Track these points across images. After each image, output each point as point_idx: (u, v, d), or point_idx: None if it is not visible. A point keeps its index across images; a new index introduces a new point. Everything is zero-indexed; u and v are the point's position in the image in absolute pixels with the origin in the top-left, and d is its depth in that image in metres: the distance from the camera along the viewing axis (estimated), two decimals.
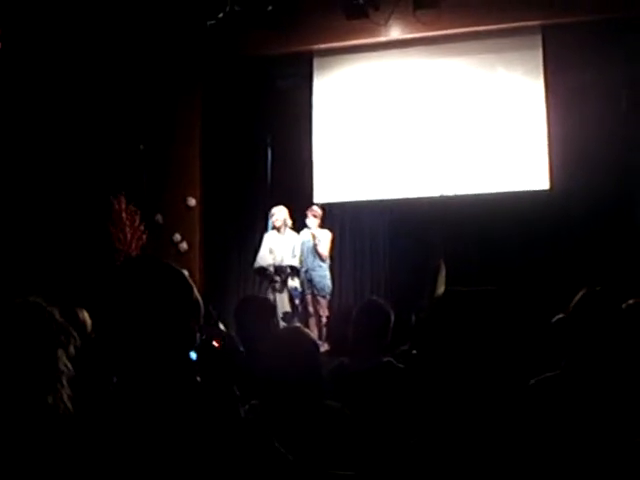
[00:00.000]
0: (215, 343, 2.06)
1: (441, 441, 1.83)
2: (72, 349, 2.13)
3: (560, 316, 3.83)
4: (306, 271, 9.02)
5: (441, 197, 9.19)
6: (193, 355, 1.81)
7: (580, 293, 3.01)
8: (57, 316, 2.11)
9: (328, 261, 9.15)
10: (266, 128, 10.79)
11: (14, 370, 1.99)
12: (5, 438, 1.82)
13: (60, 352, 2.08)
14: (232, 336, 2.89)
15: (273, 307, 4.83)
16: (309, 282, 9.02)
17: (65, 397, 2.08)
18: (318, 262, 9.02)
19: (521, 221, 8.89)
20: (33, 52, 9.46)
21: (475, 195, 9.45)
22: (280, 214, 9.23)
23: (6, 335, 2.02)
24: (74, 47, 9.64)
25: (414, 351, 4.92)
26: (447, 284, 7.30)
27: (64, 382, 2.09)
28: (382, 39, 9.76)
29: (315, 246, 8.99)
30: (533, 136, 9.41)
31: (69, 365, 2.14)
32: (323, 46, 10.11)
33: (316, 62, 10.35)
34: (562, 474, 1.78)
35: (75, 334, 2.15)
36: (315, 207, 9.30)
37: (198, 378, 1.83)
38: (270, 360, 3.08)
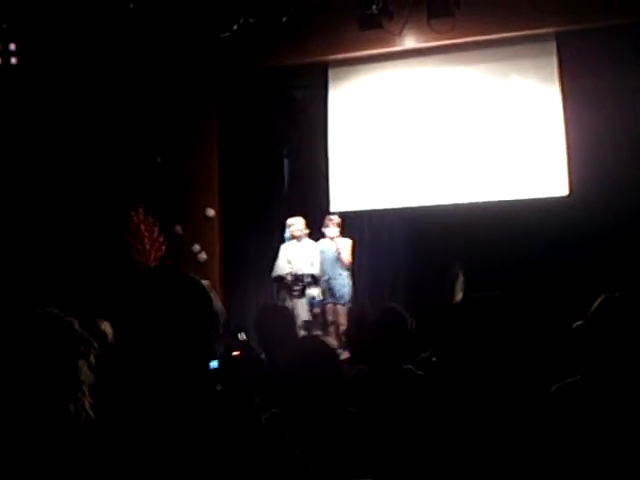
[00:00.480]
0: (235, 352, 2.07)
1: (462, 448, 1.83)
2: (92, 359, 2.15)
3: (580, 322, 3.82)
4: (327, 280, 9.04)
5: (456, 205, 9.17)
6: (214, 364, 1.82)
7: (599, 299, 3.01)
8: (76, 326, 2.13)
9: (350, 269, 9.17)
10: (282, 138, 10.83)
11: (36, 380, 2.01)
12: (28, 446, 1.84)
13: (81, 362, 2.10)
14: (252, 346, 2.89)
15: (292, 315, 4.83)
16: (329, 290, 9.04)
17: (87, 405, 2.10)
18: (339, 270, 9.05)
19: (540, 227, 8.84)
20: (52, 67, 9.55)
21: (493, 202, 9.43)
22: (298, 224, 9.27)
23: (27, 346, 2.04)
24: (92, 61, 9.72)
25: (434, 358, 4.91)
26: (465, 291, 7.29)
27: (85, 391, 2.11)
28: (397, 49, 9.76)
29: (338, 254, 9.03)
30: (551, 142, 9.37)
31: (90, 374, 2.16)
32: (338, 56, 10.12)
33: (331, 72, 10.37)
34: (583, 477, 1.78)
35: (95, 344, 2.17)
36: (334, 216, 9.32)
37: (219, 387, 1.84)
38: (290, 368, 3.09)
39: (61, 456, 1.69)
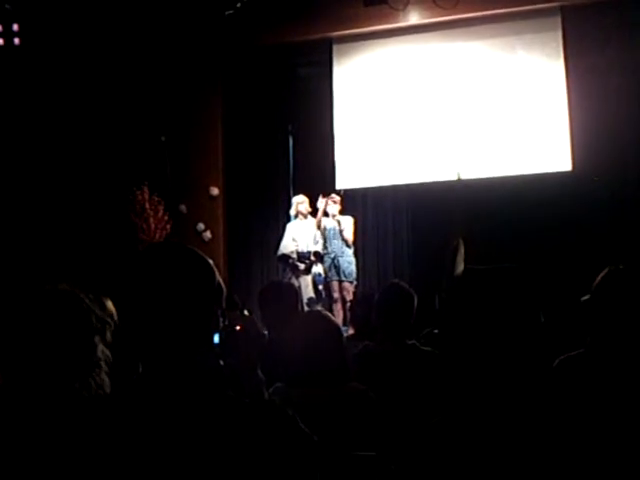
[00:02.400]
0: (237, 327, 2.07)
1: (464, 421, 1.84)
2: (109, 335, 2.16)
3: (588, 296, 3.82)
4: (334, 257, 9.04)
5: (459, 181, 9.14)
6: (216, 338, 1.82)
7: (603, 272, 3.00)
8: (88, 302, 2.13)
9: (352, 247, 9.17)
10: (287, 116, 10.82)
11: (54, 356, 2.00)
12: (44, 425, 1.84)
13: (97, 339, 2.10)
14: (255, 320, 2.90)
15: (296, 292, 4.84)
16: (336, 268, 9.04)
17: (105, 382, 2.10)
18: (344, 248, 9.05)
19: (544, 202, 8.83)
20: (55, 47, 9.53)
21: (497, 178, 9.41)
22: (303, 202, 9.27)
23: (42, 321, 2.03)
24: (96, 41, 9.69)
25: (435, 331, 4.92)
26: (468, 264, 7.27)
27: (103, 367, 2.12)
28: (401, 24, 9.72)
29: (341, 232, 9.02)
30: (554, 118, 9.34)
31: (107, 351, 2.16)
32: (342, 33, 10.07)
33: (335, 49, 10.32)
34: (586, 451, 1.78)
35: (109, 320, 2.17)
36: (333, 194, 9.32)
37: (221, 362, 1.83)
38: (294, 343, 3.10)
39: (79, 434, 1.69)
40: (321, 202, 9.18)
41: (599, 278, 2.98)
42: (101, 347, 2.11)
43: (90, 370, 2.06)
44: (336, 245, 9.05)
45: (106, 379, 2.09)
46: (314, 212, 9.36)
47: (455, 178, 9.17)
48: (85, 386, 2.04)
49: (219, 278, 1.82)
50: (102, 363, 2.10)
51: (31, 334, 2.01)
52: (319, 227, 9.12)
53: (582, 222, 8.88)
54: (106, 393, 2.06)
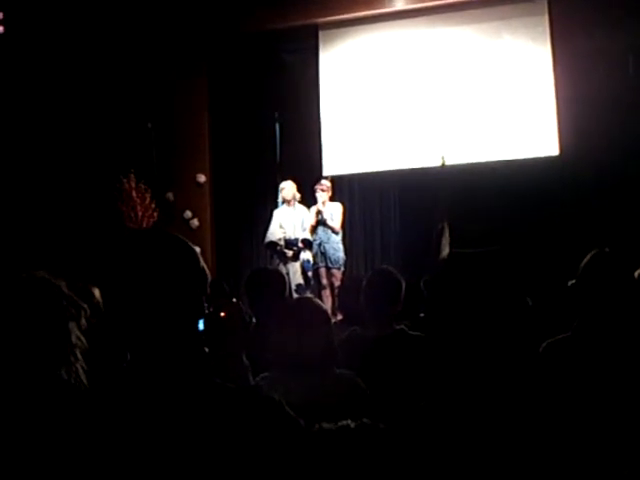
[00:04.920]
0: (222, 314, 2.06)
1: (451, 404, 1.84)
2: (84, 321, 2.14)
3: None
4: (320, 244, 9.02)
5: (443, 166, 9.14)
6: (200, 325, 1.81)
7: (589, 255, 3.01)
8: (64, 289, 2.11)
9: (340, 233, 9.15)
10: (273, 103, 10.78)
11: (26, 345, 1.99)
12: (20, 413, 1.83)
13: (72, 325, 2.09)
14: (240, 307, 2.90)
15: (284, 278, 4.82)
16: (323, 255, 9.02)
17: (80, 370, 2.08)
18: (330, 234, 9.02)
19: (531, 187, 8.86)
20: (40, 35, 9.47)
21: (484, 163, 9.42)
22: (289, 188, 9.25)
23: (15, 309, 2.02)
24: (81, 28, 9.64)
25: (422, 314, 4.91)
26: (454, 248, 7.28)
27: (78, 355, 2.10)
28: (387, 10, 9.73)
29: (325, 221, 8.98)
30: (541, 102, 9.36)
31: (82, 338, 2.14)
32: (328, 19, 10.07)
33: (321, 35, 10.30)
34: (572, 433, 1.79)
35: (85, 306, 2.15)
36: (323, 181, 9.29)
37: (206, 349, 1.83)
38: (282, 330, 3.09)
39: (52, 423, 1.69)
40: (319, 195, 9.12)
41: (585, 261, 2.99)
42: (76, 333, 2.10)
43: (66, 356, 2.05)
44: (322, 232, 9.03)
45: (80, 367, 2.08)
46: (304, 198, 9.34)
47: (439, 163, 9.16)
48: (64, 372, 2.02)
49: (203, 264, 1.81)
50: (77, 350, 2.08)
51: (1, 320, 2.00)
52: (318, 215, 9.04)
53: (568, 206, 8.91)
54: (82, 380, 2.05)
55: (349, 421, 1.59)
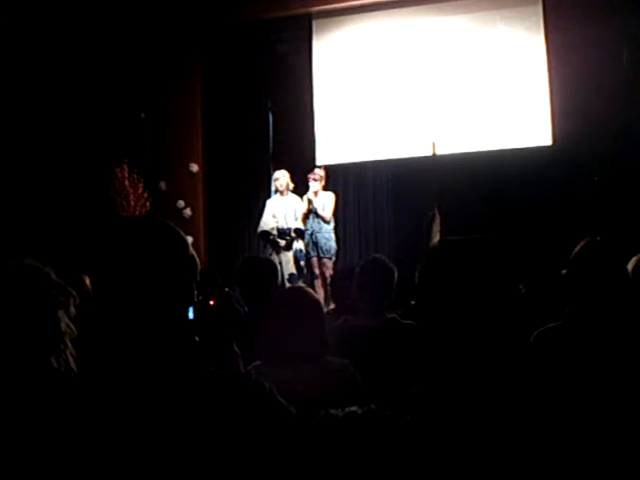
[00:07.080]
0: (211, 302, 2.06)
1: (442, 392, 1.83)
2: (73, 309, 2.13)
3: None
4: (311, 234, 9.02)
5: (434, 155, 9.12)
6: (190, 314, 1.81)
7: (580, 243, 3.01)
8: (53, 277, 2.10)
9: (333, 223, 9.15)
10: (266, 92, 10.77)
11: (14, 332, 1.98)
12: (9, 402, 1.83)
13: (61, 313, 2.08)
14: (230, 296, 2.89)
15: (275, 267, 4.82)
16: (314, 244, 9.02)
17: (70, 358, 2.07)
18: (322, 224, 9.01)
19: (524, 176, 8.87)
20: (32, 24, 9.41)
21: (477, 153, 9.41)
22: (283, 178, 9.24)
23: (2, 297, 2.01)
24: (73, 17, 9.59)
25: (412, 302, 4.92)
26: (443, 234, 7.29)
27: (68, 343, 2.09)
28: None
29: (315, 210, 8.98)
30: (535, 92, 9.35)
31: (72, 325, 2.13)
32: (322, 8, 10.04)
33: (315, 24, 10.27)
34: (562, 421, 1.79)
35: (74, 293, 2.14)
36: (317, 170, 9.28)
37: (196, 338, 1.82)
38: (273, 319, 3.09)
39: (42, 411, 1.68)
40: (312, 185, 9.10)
41: (576, 250, 2.99)
42: (65, 321, 2.09)
43: (55, 344, 2.04)
44: (314, 221, 9.03)
45: (70, 355, 2.07)
46: (297, 188, 9.34)
47: (430, 151, 9.16)
48: (54, 360, 2.02)
49: (192, 251, 1.80)
50: (66, 338, 2.08)
51: None
52: (310, 204, 9.04)
53: (561, 195, 8.93)
54: (72, 367, 2.04)
55: (356, 407, 1.58)
